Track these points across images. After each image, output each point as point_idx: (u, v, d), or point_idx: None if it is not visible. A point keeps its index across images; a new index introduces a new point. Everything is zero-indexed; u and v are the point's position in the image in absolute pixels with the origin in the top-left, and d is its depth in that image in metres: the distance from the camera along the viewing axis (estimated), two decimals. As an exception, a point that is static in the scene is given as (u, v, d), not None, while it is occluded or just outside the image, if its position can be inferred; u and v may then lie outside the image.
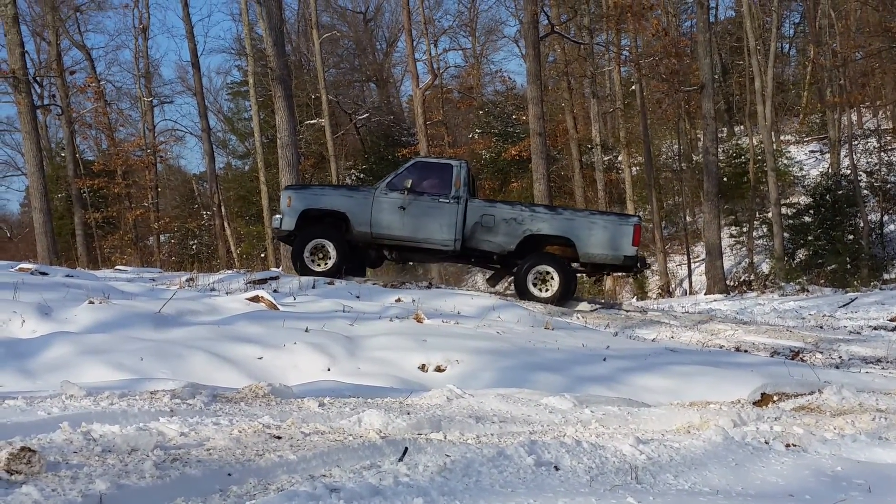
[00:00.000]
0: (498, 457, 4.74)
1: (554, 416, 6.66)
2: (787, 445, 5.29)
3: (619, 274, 18.62)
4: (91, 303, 9.84)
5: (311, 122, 43.87)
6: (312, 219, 16.06)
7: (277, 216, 16.38)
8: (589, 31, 37.21)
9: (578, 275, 16.97)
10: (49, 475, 3.78)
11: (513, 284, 16.28)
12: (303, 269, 15.74)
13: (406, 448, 4.77)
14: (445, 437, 5.31)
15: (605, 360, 9.62)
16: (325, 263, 15.84)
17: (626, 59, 38.67)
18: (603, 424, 6.28)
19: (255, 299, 11.50)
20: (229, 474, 4.15)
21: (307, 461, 4.46)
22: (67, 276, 14.11)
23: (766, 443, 5.36)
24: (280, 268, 19.08)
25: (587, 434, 5.79)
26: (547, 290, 15.67)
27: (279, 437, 4.89)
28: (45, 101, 39.16)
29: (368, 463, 4.55)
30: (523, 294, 15.60)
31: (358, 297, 13.09)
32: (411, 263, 22.05)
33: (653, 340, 12.24)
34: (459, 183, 15.97)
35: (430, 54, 45.60)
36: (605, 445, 5.23)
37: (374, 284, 15.36)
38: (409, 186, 15.87)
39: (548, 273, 15.73)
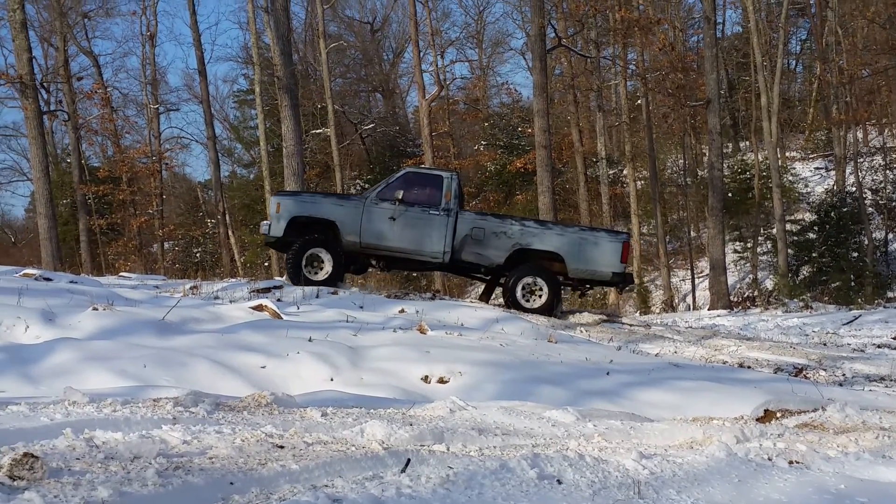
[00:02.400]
0: (501, 469, 4.73)
1: (557, 429, 6.65)
2: (791, 462, 5.27)
3: (607, 288, 18.72)
4: (95, 309, 9.85)
5: (317, 131, 43.92)
6: (301, 226, 16.03)
7: (265, 222, 16.37)
8: (596, 44, 37.26)
9: (571, 288, 17.22)
10: (51, 481, 3.78)
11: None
12: (298, 278, 15.73)
13: (409, 459, 4.76)
14: (448, 449, 5.29)
15: (608, 374, 9.62)
16: (319, 272, 15.85)
17: (633, 73, 38.69)
18: (606, 438, 6.27)
19: (259, 308, 11.50)
20: (231, 483, 4.15)
21: (309, 471, 4.46)
22: (71, 282, 14.12)
23: (769, 459, 5.35)
24: (284, 277, 19.08)
25: (590, 448, 5.77)
26: (535, 302, 15.79)
27: (282, 447, 4.89)
28: (52, 107, 39.19)
29: (371, 474, 4.54)
30: (512, 305, 15.69)
31: (362, 308, 13.08)
32: (415, 273, 22.05)
33: (656, 355, 12.22)
34: (450, 195, 16.04)
35: (437, 66, 45.74)
36: (607, 460, 5.22)
37: (377, 295, 15.35)
38: (399, 197, 15.90)
39: (536, 284, 15.87)
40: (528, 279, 15.87)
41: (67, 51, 41.30)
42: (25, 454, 3.86)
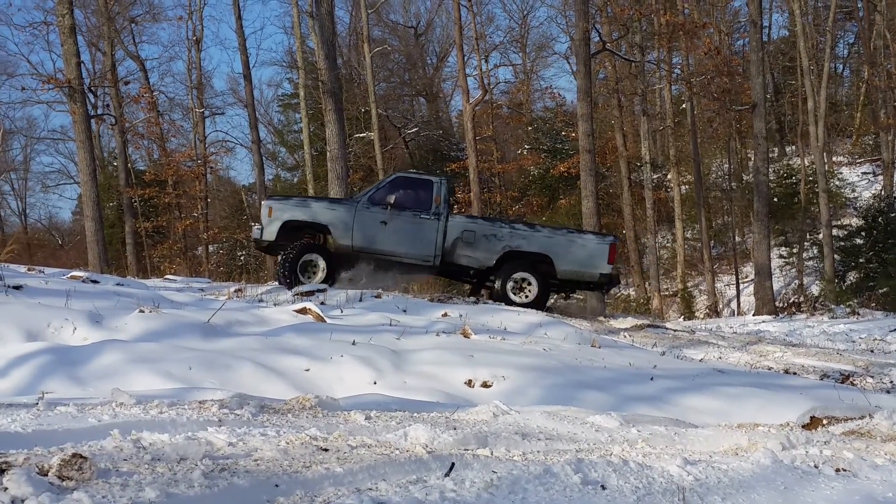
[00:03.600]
0: (544, 474, 4.72)
1: (600, 434, 6.62)
2: (837, 470, 5.22)
3: (594, 291, 19.09)
4: (141, 311, 9.93)
5: (361, 135, 44.04)
6: (293, 230, 16.20)
7: (257, 227, 16.44)
8: (640, 48, 37.06)
9: (556, 291, 17.52)
10: (99, 482, 3.81)
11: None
12: (292, 283, 15.79)
13: (453, 463, 4.76)
14: (492, 454, 5.29)
15: (652, 379, 9.56)
16: (313, 277, 15.93)
17: (678, 78, 38.49)
18: (650, 444, 6.23)
19: (303, 311, 11.55)
20: (276, 485, 4.16)
21: (353, 474, 4.47)
22: (118, 284, 14.26)
23: (816, 467, 5.30)
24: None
25: (634, 454, 5.74)
26: (525, 296, 16.20)
27: (326, 450, 4.90)
28: (99, 111, 39.59)
29: (415, 477, 4.54)
30: (501, 298, 16.10)
31: (405, 311, 13.10)
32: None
33: (700, 361, 12.15)
34: (440, 199, 16.38)
35: (481, 70, 45.69)
36: (652, 465, 5.20)
37: (420, 299, 15.38)
38: (391, 202, 16.13)
39: (524, 280, 16.39)
40: (518, 274, 16.33)
41: (114, 55, 41.70)
42: (74, 455, 3.90)
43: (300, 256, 15.85)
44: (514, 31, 54.40)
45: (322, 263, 15.92)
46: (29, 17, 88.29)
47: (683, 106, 40.75)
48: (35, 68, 47.66)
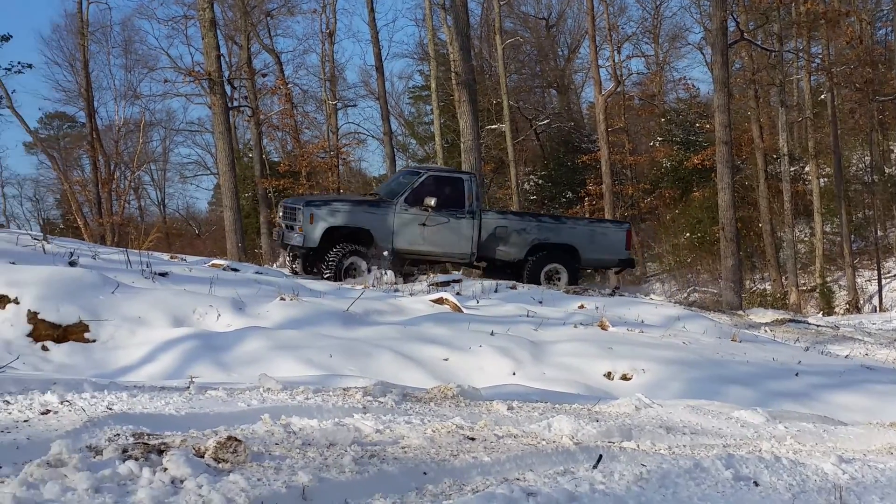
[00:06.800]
0: (694, 469, 4.65)
1: (746, 430, 6.50)
2: None
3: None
4: (282, 299, 10.09)
5: (492, 127, 43.99)
6: (335, 235, 16.09)
7: (294, 233, 16.28)
8: (779, 38, 36.22)
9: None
10: (254, 465, 3.88)
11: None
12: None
13: (601, 455, 4.71)
14: (638, 447, 5.22)
15: (797, 375, 9.37)
16: (355, 278, 15.82)
17: (818, 68, 37.47)
18: (798, 441, 6.09)
19: (440, 301, 11.59)
20: (425, 473, 4.18)
21: (500, 464, 4.46)
22: (257, 272, 14.52)
23: (978, 469, 5.10)
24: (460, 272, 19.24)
25: (783, 450, 5.62)
26: (556, 284, 16.79)
27: (472, 439, 4.90)
28: (237, 103, 40.46)
29: (562, 469, 4.51)
30: (535, 283, 16.59)
31: (541, 303, 13.06)
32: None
33: (846, 357, 11.83)
34: (472, 197, 16.77)
35: (614, 61, 45.20)
36: (804, 463, 5.09)
37: (556, 290, 15.33)
38: (432, 205, 16.30)
39: (556, 270, 17.14)
40: (549, 266, 17.06)
41: (250, 48, 42.47)
42: (229, 438, 3.97)
43: (344, 260, 15.87)
44: (646, 22, 53.67)
45: (364, 265, 15.92)
46: (169, 11, 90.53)
47: (822, 97, 39.68)
48: (174, 62, 48.70)
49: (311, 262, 16.66)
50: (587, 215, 39.97)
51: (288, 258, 17.82)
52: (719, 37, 23.08)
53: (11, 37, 29.43)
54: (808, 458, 5.32)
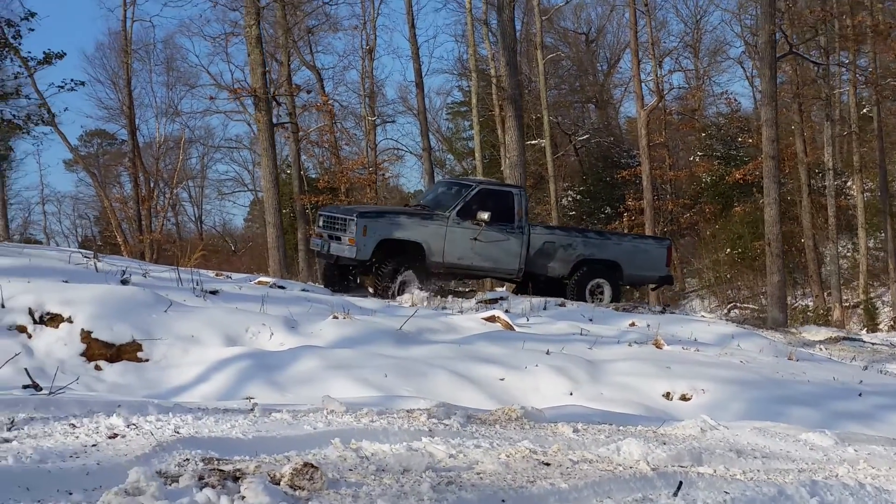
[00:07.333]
0: (779, 496, 4.53)
1: (815, 453, 6.35)
2: None
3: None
4: (335, 318, 10.01)
5: (532, 142, 43.89)
6: (386, 248, 15.82)
7: (343, 245, 15.78)
8: (825, 51, 35.92)
9: None
10: (330, 492, 3.79)
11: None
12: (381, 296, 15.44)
13: (681, 482, 4.58)
14: (715, 472, 5.09)
15: (860, 395, 9.18)
16: (405, 291, 15.54)
17: (866, 81, 37.06)
18: (872, 465, 5.93)
19: (492, 319, 11.49)
20: (503, 500, 4.08)
21: (578, 490, 4.35)
22: (303, 290, 14.46)
23: None
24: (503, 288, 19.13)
25: (862, 476, 5.46)
26: (599, 300, 16.86)
27: (548, 464, 4.79)
28: (280, 120, 40.61)
29: (641, 496, 4.40)
30: (580, 299, 16.58)
31: (591, 320, 12.94)
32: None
33: (906, 376, 11.61)
34: (522, 212, 16.63)
35: (657, 75, 44.99)
36: (889, 489, 4.95)
37: (606, 308, 15.22)
38: (486, 219, 16.12)
39: (599, 286, 17.10)
40: (594, 281, 17.03)
41: (291, 65, 42.57)
42: (305, 464, 3.87)
43: (395, 275, 15.63)
44: (686, 36, 53.43)
45: (415, 278, 15.72)
46: (210, 29, 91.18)
47: (865, 110, 39.28)
48: (215, 79, 48.97)
49: (354, 275, 16.61)
50: (625, 231, 39.73)
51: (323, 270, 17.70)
52: (767, 50, 22.84)
53: (65, 54, 29.43)
54: (890, 484, 5.17)
